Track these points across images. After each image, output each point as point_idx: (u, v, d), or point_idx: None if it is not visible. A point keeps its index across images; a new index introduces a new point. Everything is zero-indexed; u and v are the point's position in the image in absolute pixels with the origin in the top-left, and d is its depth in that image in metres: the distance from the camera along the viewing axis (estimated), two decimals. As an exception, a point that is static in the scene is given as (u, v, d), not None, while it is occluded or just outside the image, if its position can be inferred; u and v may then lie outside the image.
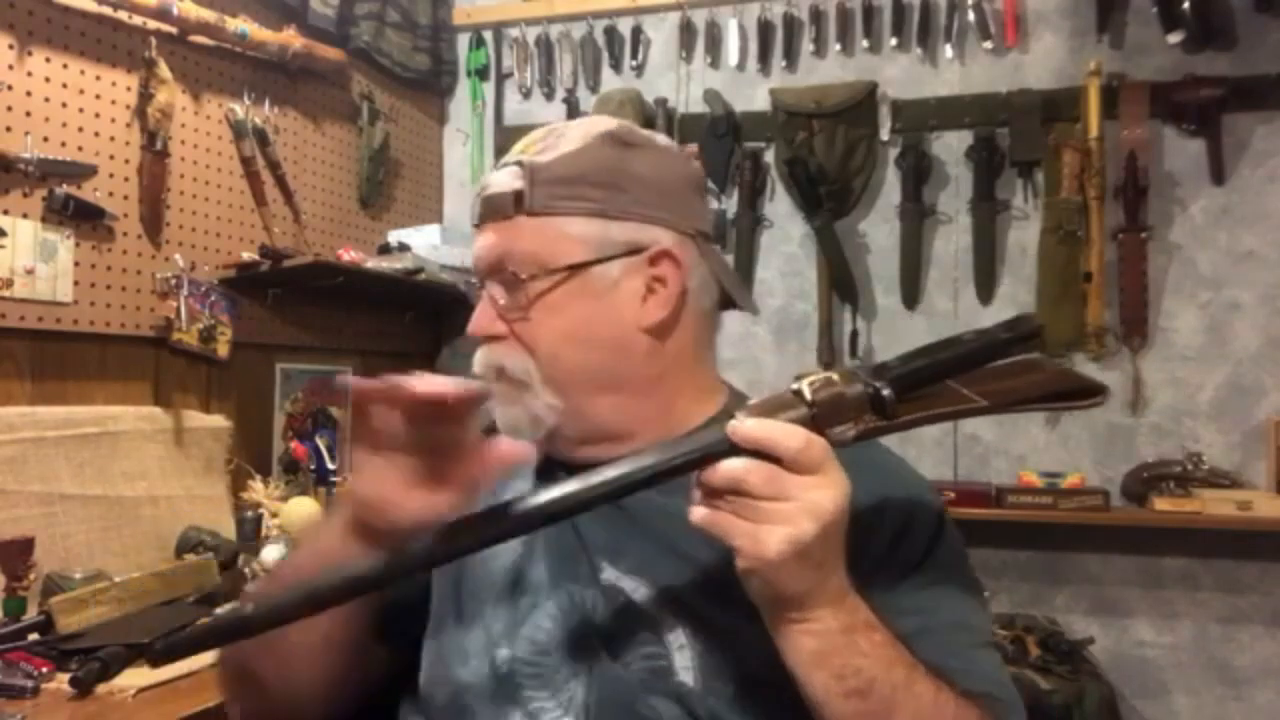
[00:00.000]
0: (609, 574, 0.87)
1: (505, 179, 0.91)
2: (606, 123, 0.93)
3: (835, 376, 0.71)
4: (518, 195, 0.89)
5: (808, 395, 0.70)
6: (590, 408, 0.89)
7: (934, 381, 0.72)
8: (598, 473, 0.71)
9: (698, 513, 0.70)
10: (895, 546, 0.84)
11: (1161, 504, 2.36)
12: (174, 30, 2.06)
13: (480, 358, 0.91)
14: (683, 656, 0.83)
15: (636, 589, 0.86)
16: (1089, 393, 0.76)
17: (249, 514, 2.13)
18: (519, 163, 0.90)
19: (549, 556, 0.90)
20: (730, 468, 0.68)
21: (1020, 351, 0.74)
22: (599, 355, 0.89)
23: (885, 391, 0.69)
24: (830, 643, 0.70)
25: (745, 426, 0.68)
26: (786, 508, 0.67)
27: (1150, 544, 2.50)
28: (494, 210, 0.91)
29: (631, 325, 0.89)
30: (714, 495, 0.69)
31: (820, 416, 0.69)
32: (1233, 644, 2.47)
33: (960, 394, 0.72)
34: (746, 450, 0.68)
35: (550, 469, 0.92)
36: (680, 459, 0.70)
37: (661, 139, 0.96)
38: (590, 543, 0.88)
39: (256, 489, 2.18)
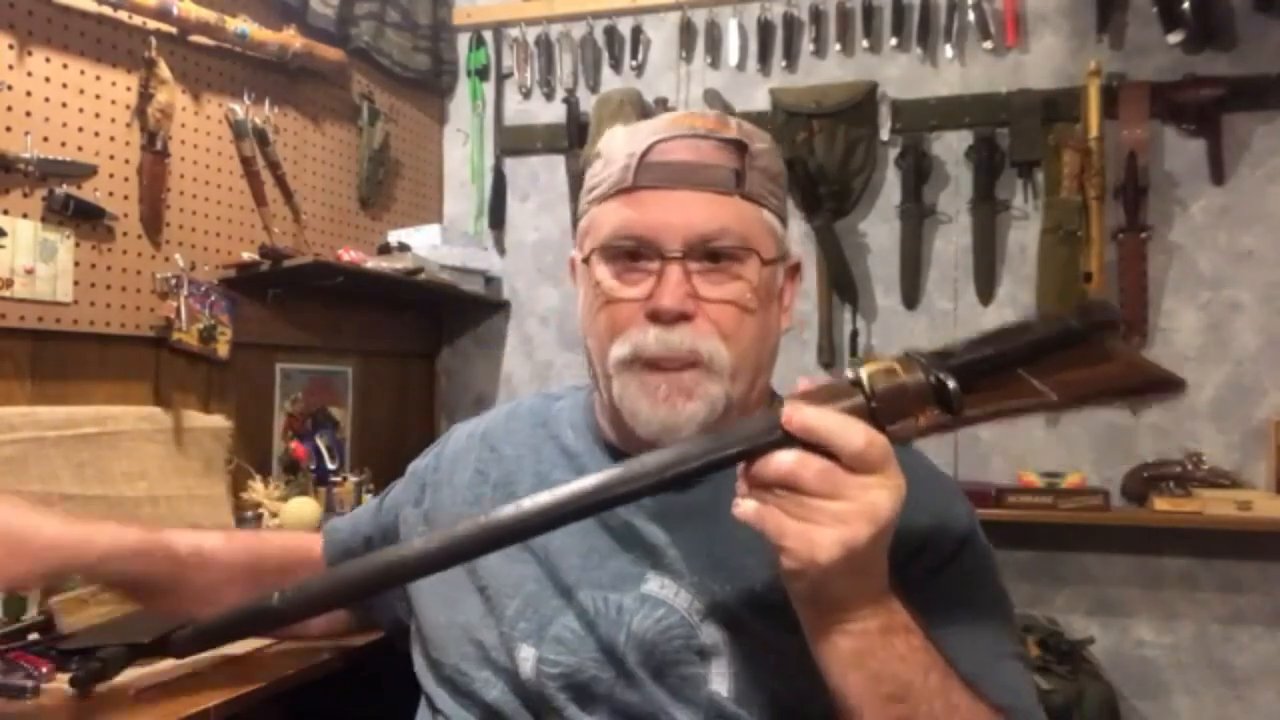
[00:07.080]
0: (645, 576, 0.83)
1: (715, 153, 0.84)
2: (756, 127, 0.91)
3: (896, 365, 0.64)
4: (738, 174, 0.84)
5: (867, 385, 0.64)
6: (737, 406, 0.85)
7: (1000, 372, 0.66)
8: (640, 462, 0.65)
9: (745, 506, 0.64)
10: (919, 553, 0.82)
11: (1161, 504, 2.36)
12: (174, 30, 2.06)
13: (669, 339, 0.82)
14: (718, 665, 0.80)
15: (673, 593, 0.82)
16: (1165, 385, 0.69)
17: (249, 514, 2.13)
18: (737, 142, 0.85)
19: (581, 553, 0.86)
20: (783, 461, 0.62)
21: (1095, 344, 0.67)
22: (765, 354, 0.89)
23: (950, 384, 0.63)
24: (868, 643, 0.67)
25: (802, 415, 0.62)
26: (842, 508, 0.62)
27: (1150, 544, 2.50)
28: (705, 180, 0.83)
29: (778, 330, 0.90)
30: (763, 488, 0.64)
31: (880, 411, 0.63)
32: (1233, 644, 2.47)
33: (1028, 386, 0.65)
34: (800, 441, 0.62)
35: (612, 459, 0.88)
36: (732, 450, 0.64)
37: None
38: (624, 541, 0.85)
39: (256, 489, 2.18)
